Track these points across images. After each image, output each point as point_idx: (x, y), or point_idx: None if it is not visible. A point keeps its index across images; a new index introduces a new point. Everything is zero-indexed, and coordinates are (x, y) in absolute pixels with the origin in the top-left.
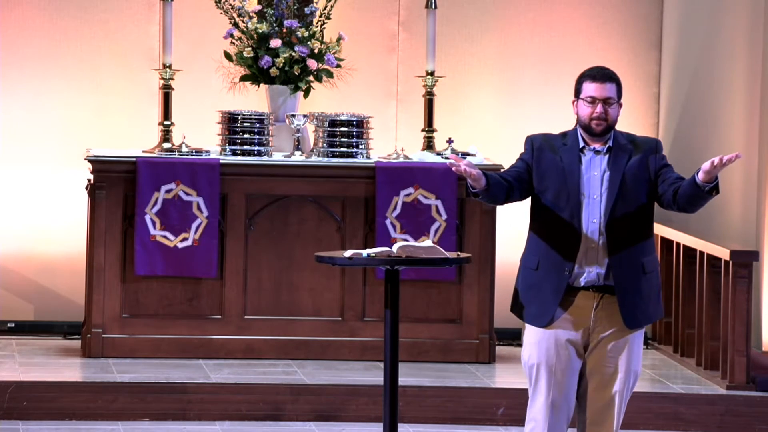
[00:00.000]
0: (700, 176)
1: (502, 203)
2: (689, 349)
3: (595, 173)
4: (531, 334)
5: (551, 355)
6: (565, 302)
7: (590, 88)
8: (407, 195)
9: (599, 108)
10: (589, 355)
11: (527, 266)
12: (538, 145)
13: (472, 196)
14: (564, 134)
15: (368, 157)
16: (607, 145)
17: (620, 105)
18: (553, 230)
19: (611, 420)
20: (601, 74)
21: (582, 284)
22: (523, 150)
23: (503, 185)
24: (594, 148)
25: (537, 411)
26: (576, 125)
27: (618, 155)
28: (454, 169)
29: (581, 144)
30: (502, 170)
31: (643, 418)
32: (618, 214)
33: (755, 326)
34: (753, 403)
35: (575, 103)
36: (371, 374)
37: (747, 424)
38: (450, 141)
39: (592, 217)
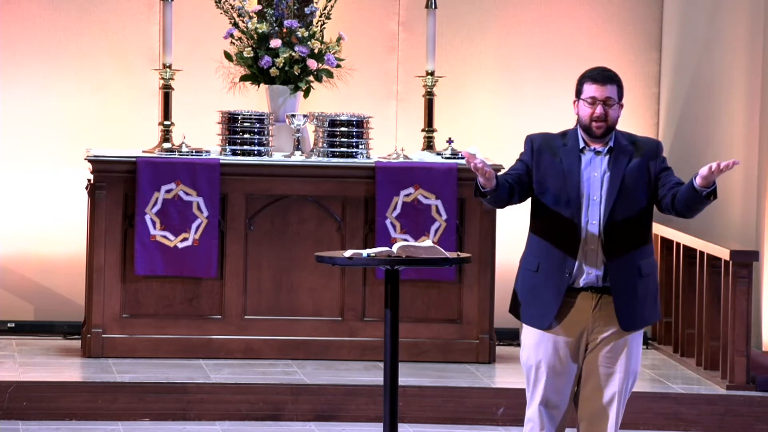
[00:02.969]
0: (698, 181)
1: (504, 206)
2: (689, 349)
3: (595, 174)
4: (529, 335)
5: (549, 356)
6: (565, 304)
7: (591, 89)
8: (407, 195)
9: (599, 109)
10: (588, 355)
11: (527, 268)
12: (537, 146)
13: (480, 197)
14: (564, 134)
15: (368, 157)
16: (607, 146)
17: (621, 106)
18: (554, 232)
19: (609, 420)
20: (602, 75)
21: (581, 285)
22: (522, 150)
23: (507, 187)
24: (594, 149)
25: (534, 412)
26: (576, 125)
27: (618, 156)
28: (471, 164)
29: (581, 144)
30: (502, 170)
31: (643, 418)
32: (617, 216)
33: (755, 326)
34: (753, 403)
35: (576, 103)
36: (371, 374)
37: (747, 424)
38: (450, 141)
39: (592, 219)
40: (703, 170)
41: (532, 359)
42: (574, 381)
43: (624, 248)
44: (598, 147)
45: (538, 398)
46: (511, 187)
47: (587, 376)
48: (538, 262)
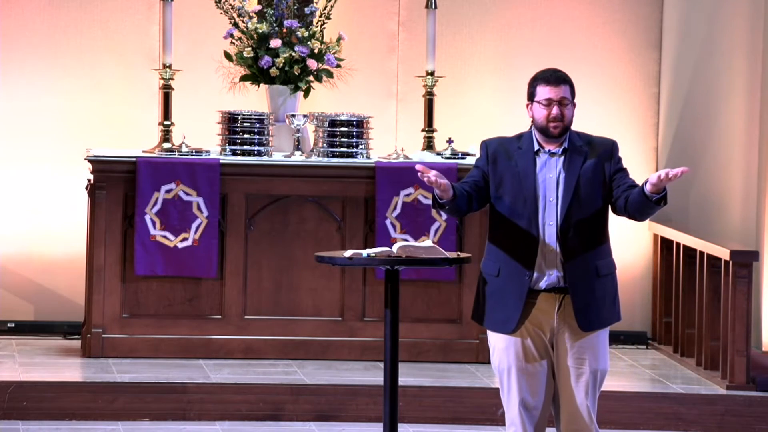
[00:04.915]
0: (648, 188)
1: (464, 214)
2: (689, 349)
3: (550, 175)
4: (498, 339)
5: (520, 359)
6: (528, 305)
7: (545, 91)
8: (407, 195)
9: (555, 109)
10: (556, 355)
11: (489, 273)
12: (492, 151)
13: (437, 208)
14: (519, 136)
15: (368, 157)
16: (562, 147)
17: (574, 105)
18: (512, 236)
19: (584, 419)
20: (554, 77)
21: (543, 287)
22: (478, 156)
23: (465, 196)
24: (549, 150)
25: (514, 415)
26: (531, 127)
27: (573, 157)
28: (423, 178)
29: (536, 146)
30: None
31: (643, 418)
32: (573, 217)
33: (755, 326)
34: (753, 403)
35: (529, 106)
36: (371, 374)
37: (747, 424)
38: (450, 141)
39: (549, 220)
40: (653, 178)
41: (503, 363)
42: (547, 381)
43: (581, 249)
44: (553, 148)
45: (515, 401)
46: (468, 195)
47: (559, 377)
48: (498, 266)
